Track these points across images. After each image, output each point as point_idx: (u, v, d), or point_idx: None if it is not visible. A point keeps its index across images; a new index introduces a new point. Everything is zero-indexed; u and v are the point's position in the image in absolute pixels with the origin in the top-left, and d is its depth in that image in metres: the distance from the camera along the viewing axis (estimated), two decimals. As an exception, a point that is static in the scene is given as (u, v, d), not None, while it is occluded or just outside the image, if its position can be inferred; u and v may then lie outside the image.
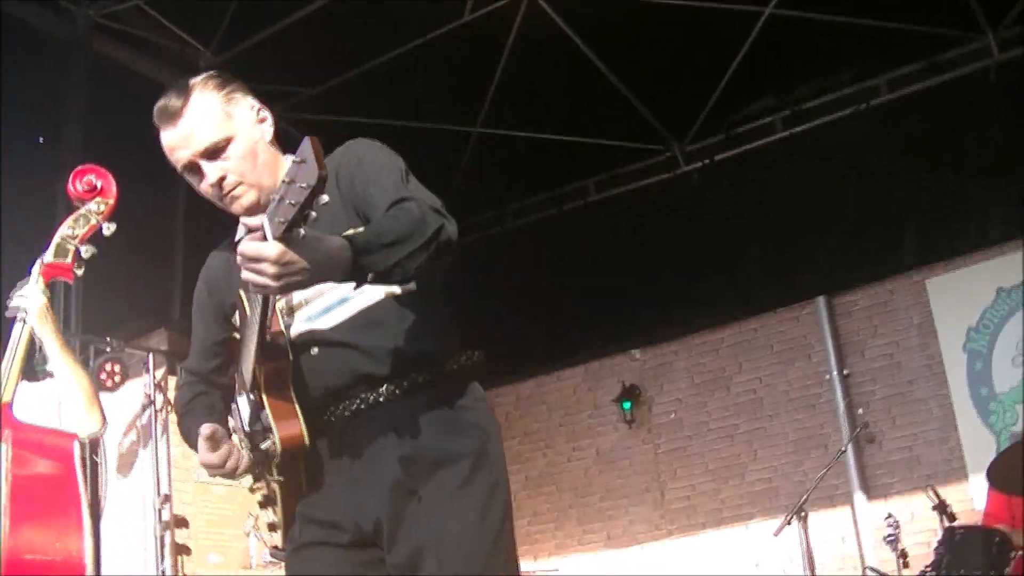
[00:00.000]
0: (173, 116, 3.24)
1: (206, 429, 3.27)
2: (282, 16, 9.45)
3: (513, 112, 10.76)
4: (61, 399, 4.66)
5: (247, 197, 3.27)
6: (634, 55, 10.35)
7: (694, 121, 11.39)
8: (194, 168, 3.27)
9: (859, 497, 10.71)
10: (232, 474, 3.32)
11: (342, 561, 3.23)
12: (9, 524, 3.97)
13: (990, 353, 10.37)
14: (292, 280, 2.75)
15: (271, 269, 2.70)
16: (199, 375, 3.64)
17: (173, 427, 9.96)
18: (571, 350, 12.41)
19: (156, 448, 9.74)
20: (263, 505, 3.40)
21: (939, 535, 7.84)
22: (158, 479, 9.67)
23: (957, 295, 10.60)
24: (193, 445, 3.43)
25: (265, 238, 2.70)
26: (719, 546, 11.42)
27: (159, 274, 9.84)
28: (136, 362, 9.83)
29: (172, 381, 10.01)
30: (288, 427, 3.13)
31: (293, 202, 2.60)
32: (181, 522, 9.72)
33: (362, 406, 3.19)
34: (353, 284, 2.91)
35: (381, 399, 3.19)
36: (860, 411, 9.90)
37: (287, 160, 3.20)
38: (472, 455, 3.18)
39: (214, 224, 9.82)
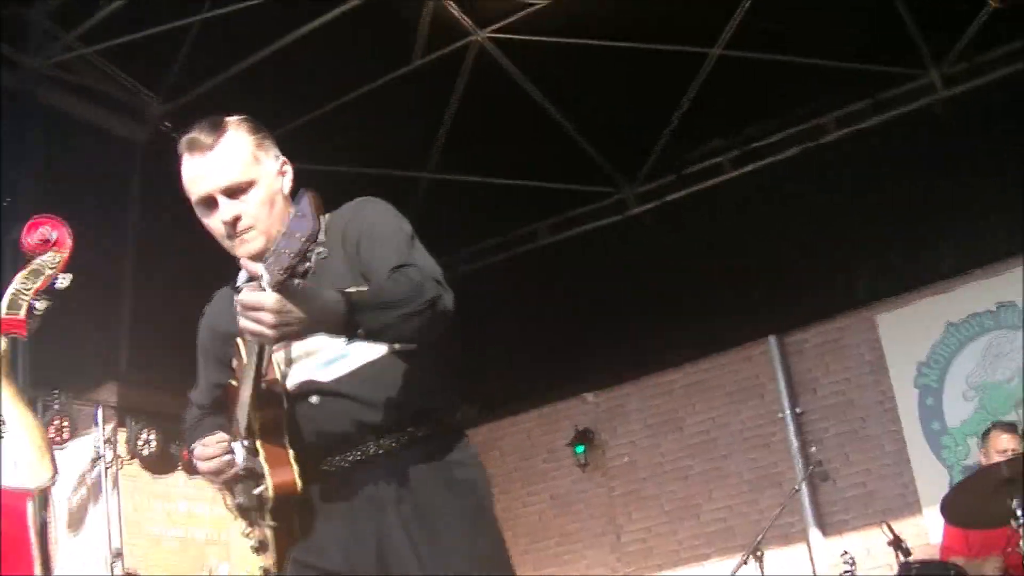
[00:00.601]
0: (203, 148, 3.28)
1: (216, 436, 3.30)
2: (230, 64, 9.42)
3: (463, 157, 10.76)
4: (11, 449, 4.60)
5: (255, 242, 3.28)
6: (583, 98, 10.40)
7: (644, 163, 11.42)
8: (210, 202, 3.30)
9: (815, 534, 10.72)
10: (220, 473, 3.31)
11: None
12: (-39, 584, 3.91)
13: (941, 388, 10.44)
14: (288, 330, 2.84)
15: (269, 318, 2.79)
16: (201, 409, 3.69)
17: (124, 481, 9.86)
18: (524, 394, 12.39)
19: (107, 503, 9.62)
20: (257, 551, 3.42)
21: (895, 570, 7.84)
22: (109, 535, 9.56)
23: (907, 330, 10.67)
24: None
25: (263, 288, 2.76)
26: (676, 588, 11.41)
27: (107, 326, 9.74)
28: (85, 416, 9.71)
29: (122, 435, 9.91)
30: (281, 474, 3.17)
31: (291, 253, 2.69)
32: (134, 577, 9.61)
33: (361, 457, 3.23)
34: (345, 339, 3.01)
35: (380, 451, 3.22)
36: (814, 449, 9.94)
37: None
38: (469, 511, 3.24)
39: (162, 275, 9.76)
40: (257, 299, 2.78)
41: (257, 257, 3.23)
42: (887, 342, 10.78)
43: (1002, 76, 10.07)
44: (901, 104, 10.56)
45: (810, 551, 10.72)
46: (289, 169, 3.44)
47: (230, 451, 3.27)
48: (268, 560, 3.39)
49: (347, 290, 2.99)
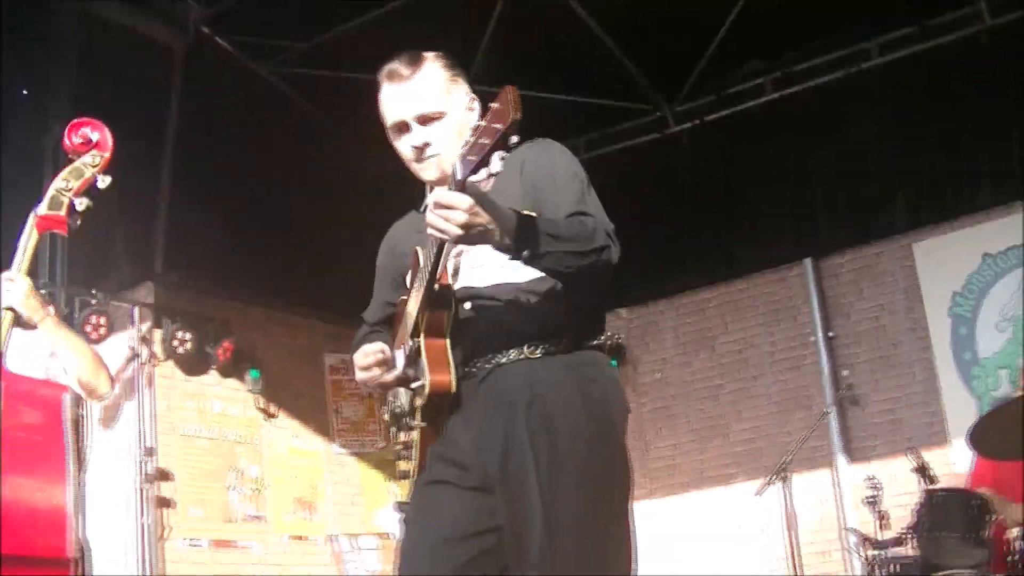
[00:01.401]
0: (402, 78, 3.59)
1: (375, 346, 3.59)
2: (272, -31, 9.38)
3: (503, 69, 10.66)
4: (67, 370, 4.71)
5: (439, 169, 3.55)
6: (626, 14, 10.27)
7: (684, 82, 11.34)
8: (403, 127, 3.60)
9: (841, 459, 10.78)
10: (374, 377, 3.57)
11: (466, 502, 3.39)
12: (-6, 473, 3.97)
13: (974, 318, 10.41)
14: (474, 231, 3.08)
15: (460, 217, 3.04)
16: (370, 326, 3.93)
17: (158, 380, 9.97)
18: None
19: (141, 401, 9.73)
20: (398, 458, 3.63)
21: (919, 497, 7.87)
22: (142, 432, 9.67)
23: (943, 260, 10.64)
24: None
25: (455, 181, 3.04)
26: (701, 505, 11.50)
27: (144, 228, 9.82)
28: (122, 315, 9.81)
29: (158, 334, 10.01)
30: (439, 373, 3.38)
31: (485, 141, 2.94)
32: (164, 475, 9.73)
33: (503, 360, 3.43)
34: (508, 256, 3.25)
35: (521, 357, 3.41)
36: (845, 373, 9.94)
37: None
38: (595, 429, 3.35)
39: (200, 179, 9.79)
40: (452, 198, 3.03)
41: (440, 182, 3.53)
42: (923, 270, 10.76)
43: (1050, 6, 9.94)
44: (946, 32, 10.40)
45: (835, 475, 10.78)
46: (477, 105, 3.69)
47: (388, 360, 3.53)
48: (408, 463, 3.59)
49: (522, 212, 3.22)
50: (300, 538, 10.70)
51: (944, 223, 10.67)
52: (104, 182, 4.40)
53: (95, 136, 4.42)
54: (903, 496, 9.30)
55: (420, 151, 3.55)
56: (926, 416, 10.47)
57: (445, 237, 3.12)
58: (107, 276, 9.63)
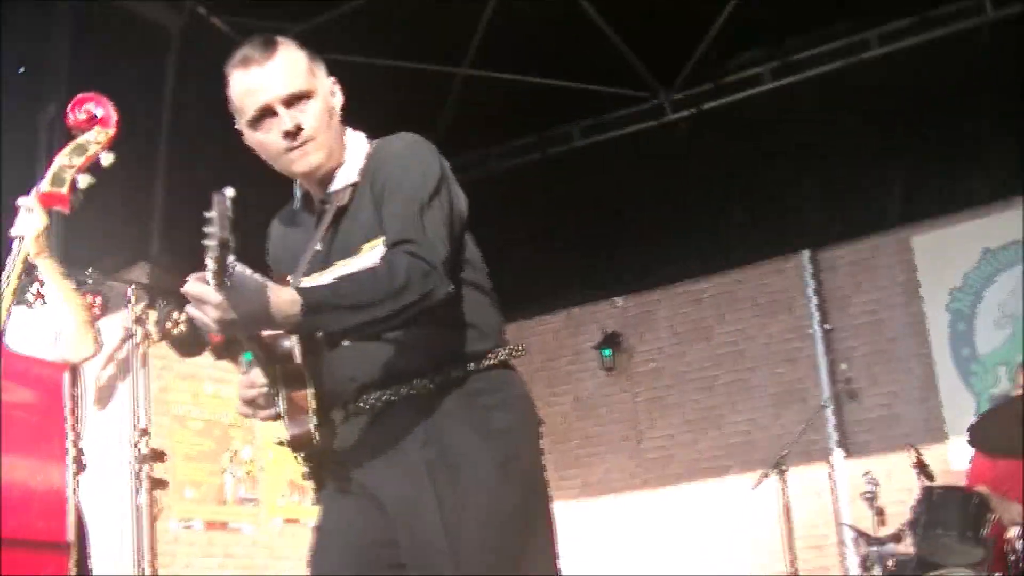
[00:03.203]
0: (259, 61, 3.26)
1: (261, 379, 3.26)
2: (267, -51, 9.31)
3: (501, 54, 10.64)
4: (53, 321, 4.65)
5: (315, 156, 3.26)
6: (625, 1, 10.24)
7: (682, 70, 11.29)
8: (267, 113, 3.26)
9: (837, 454, 10.74)
10: (258, 416, 3.29)
11: (373, 514, 3.21)
12: (-8, 452, 3.92)
13: (973, 314, 10.38)
14: (231, 328, 2.77)
15: (212, 313, 2.72)
16: None
17: (152, 360, 9.92)
18: (553, 295, 12.33)
19: (135, 381, 9.69)
20: (305, 477, 3.41)
21: (916, 494, 7.83)
22: (136, 413, 9.63)
23: (942, 254, 10.61)
24: None
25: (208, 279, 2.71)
26: (695, 497, 11.47)
27: (141, 208, 9.75)
28: (116, 295, 9.77)
29: (152, 315, 9.95)
30: (298, 426, 3.13)
31: (212, 256, 2.62)
32: (158, 456, 9.69)
33: (394, 397, 3.17)
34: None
35: (413, 392, 3.16)
36: (843, 366, 9.89)
37: (351, 135, 3.38)
38: (499, 461, 3.14)
39: (197, 159, 9.71)
40: (201, 293, 2.71)
41: (315, 171, 3.29)
42: (921, 264, 10.73)
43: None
44: (948, 23, 10.35)
45: (831, 470, 10.75)
46: (339, 91, 3.41)
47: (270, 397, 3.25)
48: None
49: (305, 286, 2.99)
50: (293, 521, 10.67)
51: (943, 217, 10.62)
52: (107, 159, 4.34)
53: (99, 112, 4.36)
54: (900, 492, 9.26)
55: (293, 136, 3.21)
56: (923, 412, 10.44)
57: (207, 331, 2.82)
58: (102, 255, 9.56)
